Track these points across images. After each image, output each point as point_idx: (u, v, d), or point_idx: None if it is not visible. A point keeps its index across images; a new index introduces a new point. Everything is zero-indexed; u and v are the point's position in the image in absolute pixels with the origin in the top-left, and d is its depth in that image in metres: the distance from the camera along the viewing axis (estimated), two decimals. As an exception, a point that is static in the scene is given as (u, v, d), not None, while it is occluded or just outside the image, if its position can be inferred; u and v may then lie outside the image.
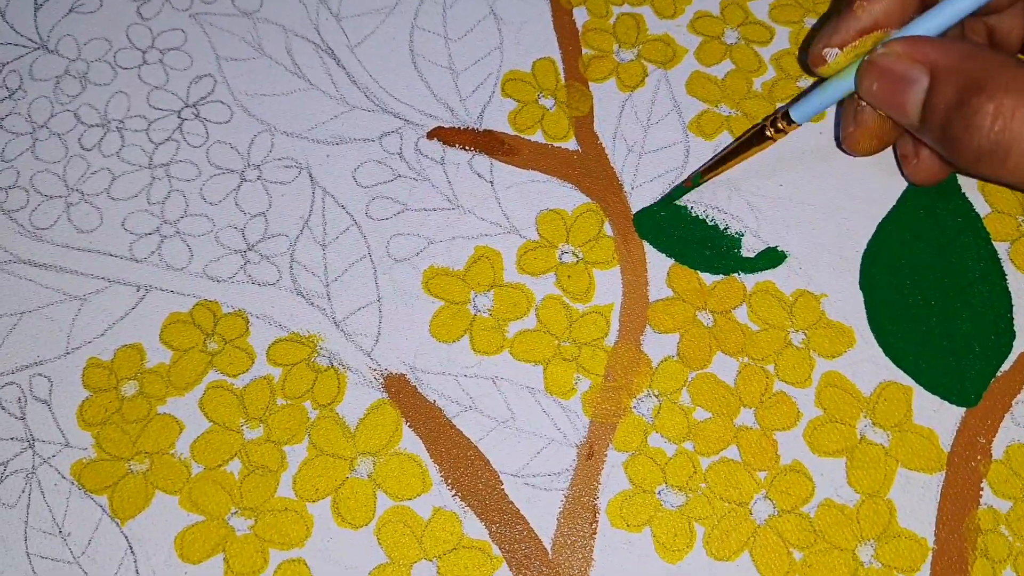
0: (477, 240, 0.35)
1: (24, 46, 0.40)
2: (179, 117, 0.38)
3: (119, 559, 0.30)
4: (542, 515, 0.30)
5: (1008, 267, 0.34)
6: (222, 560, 0.30)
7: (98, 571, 0.30)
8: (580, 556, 0.30)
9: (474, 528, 0.30)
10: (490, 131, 0.37)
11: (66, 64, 0.39)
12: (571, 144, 0.37)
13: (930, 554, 0.30)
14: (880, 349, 0.33)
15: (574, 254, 0.35)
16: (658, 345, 0.33)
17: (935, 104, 0.27)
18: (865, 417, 0.32)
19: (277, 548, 0.30)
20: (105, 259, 0.35)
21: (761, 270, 0.34)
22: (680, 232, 0.35)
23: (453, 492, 0.31)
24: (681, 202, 0.35)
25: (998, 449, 0.31)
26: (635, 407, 0.32)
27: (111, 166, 0.37)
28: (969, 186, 0.35)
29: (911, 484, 0.31)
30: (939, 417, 0.32)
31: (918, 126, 0.28)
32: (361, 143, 0.37)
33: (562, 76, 0.38)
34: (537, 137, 0.37)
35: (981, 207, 0.35)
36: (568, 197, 0.36)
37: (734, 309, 0.33)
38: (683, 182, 0.35)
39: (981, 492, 0.30)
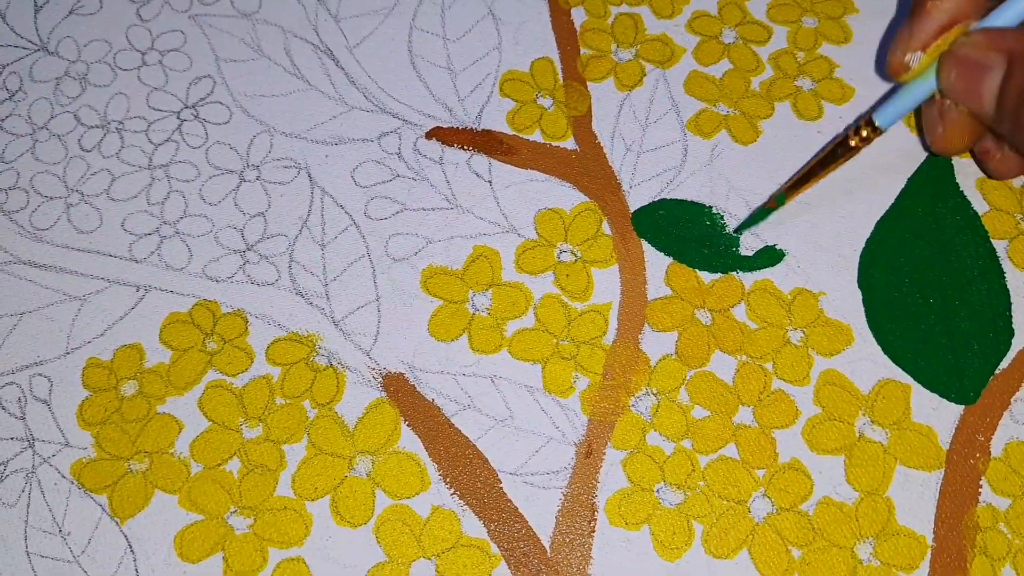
0: (475, 239, 0.35)
1: (24, 48, 0.40)
2: (178, 118, 0.38)
3: (119, 558, 0.30)
4: (541, 513, 0.30)
5: (1007, 265, 0.34)
6: (221, 559, 0.30)
7: (98, 570, 0.30)
8: (579, 554, 0.30)
9: (473, 526, 0.30)
10: (488, 131, 0.37)
11: (66, 66, 0.39)
12: (569, 143, 0.37)
13: (929, 552, 0.29)
14: (879, 347, 0.33)
15: (572, 253, 0.35)
16: (656, 343, 0.33)
17: (1010, 89, 0.27)
18: (864, 415, 0.32)
19: (276, 547, 0.30)
20: (105, 259, 0.35)
21: (759, 268, 0.34)
22: (678, 230, 0.35)
23: (452, 491, 0.31)
24: (683, 200, 0.35)
25: (997, 447, 0.31)
26: (633, 405, 0.32)
27: (111, 167, 0.37)
28: (968, 184, 0.35)
29: (910, 482, 0.31)
30: (938, 415, 0.31)
31: (993, 115, 0.28)
32: (360, 143, 0.37)
33: (560, 76, 0.38)
34: (535, 137, 0.37)
35: (979, 205, 0.35)
36: (566, 196, 0.36)
37: (732, 307, 0.33)
38: (766, 203, 0.34)
39: (980, 490, 0.30)
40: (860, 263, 0.34)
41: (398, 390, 0.32)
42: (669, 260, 0.34)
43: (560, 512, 0.30)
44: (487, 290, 0.34)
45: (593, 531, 0.30)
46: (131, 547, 0.30)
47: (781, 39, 0.39)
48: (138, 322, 0.34)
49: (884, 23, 0.39)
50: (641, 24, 0.40)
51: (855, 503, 0.30)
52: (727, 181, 0.36)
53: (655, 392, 0.32)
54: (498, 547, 0.30)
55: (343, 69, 0.39)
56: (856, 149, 0.32)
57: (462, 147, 0.37)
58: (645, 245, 0.35)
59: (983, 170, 0.34)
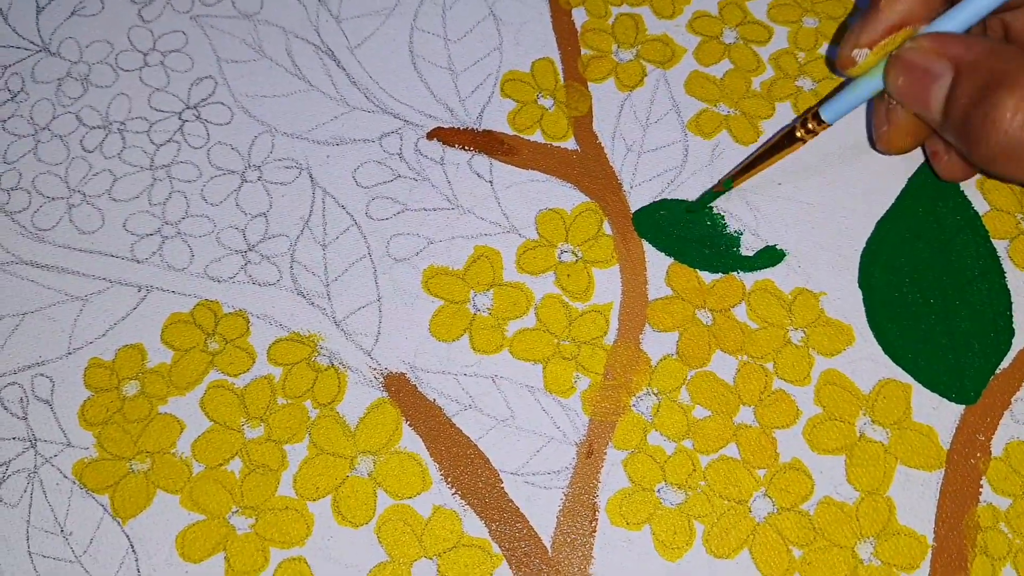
0: (477, 240, 0.35)
1: (26, 49, 0.40)
2: (180, 119, 0.38)
3: (120, 558, 0.30)
4: (542, 513, 0.30)
5: (1007, 265, 0.34)
6: (223, 559, 0.30)
7: (99, 570, 0.30)
8: (580, 554, 0.30)
9: (474, 526, 0.30)
10: (489, 131, 0.37)
11: (68, 66, 0.40)
12: (570, 144, 0.37)
13: (929, 551, 0.30)
14: (879, 347, 0.33)
15: (573, 253, 0.35)
16: (657, 343, 0.33)
17: (957, 99, 0.27)
18: (864, 415, 0.32)
19: (278, 547, 0.30)
20: (107, 260, 0.35)
21: (760, 268, 0.34)
22: (679, 231, 0.35)
23: (453, 490, 0.31)
24: (684, 200, 0.35)
25: (997, 446, 0.31)
26: (634, 405, 0.32)
27: (113, 167, 0.37)
28: (968, 184, 0.35)
29: (910, 482, 0.31)
30: (938, 415, 0.32)
31: (940, 121, 0.28)
32: (361, 144, 0.37)
33: (561, 76, 0.38)
34: (536, 137, 0.37)
35: (980, 205, 0.35)
36: (567, 196, 0.36)
37: (733, 307, 0.33)
38: (713, 187, 0.35)
39: (980, 489, 0.30)
40: (861, 263, 0.34)
41: (399, 390, 0.32)
42: (670, 260, 0.34)
43: (561, 512, 0.30)
44: (488, 290, 0.34)
45: (594, 531, 0.30)
46: (133, 547, 0.30)
47: (782, 39, 0.39)
48: (140, 322, 0.34)
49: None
50: (642, 24, 0.40)
51: (856, 503, 0.30)
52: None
53: (656, 392, 0.32)
54: (499, 547, 0.30)
55: (344, 70, 0.39)
56: (801, 141, 0.32)
57: (463, 147, 0.37)
58: (646, 245, 0.35)
59: (932, 170, 0.34)
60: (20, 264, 0.35)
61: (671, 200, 0.36)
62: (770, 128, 0.37)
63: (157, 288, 0.35)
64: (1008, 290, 0.33)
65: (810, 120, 0.32)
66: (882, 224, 0.35)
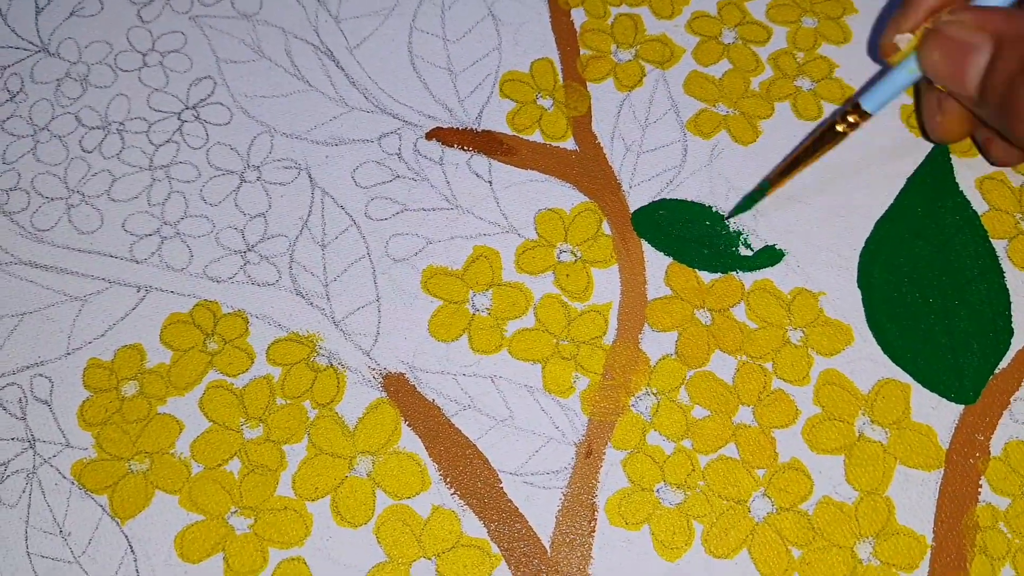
0: (476, 240, 0.35)
1: (25, 49, 0.40)
2: (179, 119, 0.38)
3: (119, 558, 0.30)
4: (541, 513, 0.30)
5: (1006, 264, 0.34)
6: (222, 559, 0.30)
7: (98, 571, 0.30)
8: (579, 554, 0.30)
9: (473, 526, 0.30)
10: (488, 131, 0.37)
11: (67, 67, 0.40)
12: (569, 144, 0.37)
13: (929, 551, 0.30)
14: (878, 347, 0.33)
15: (572, 253, 0.35)
16: (656, 343, 0.33)
17: (997, 73, 0.26)
18: (863, 415, 0.32)
19: (277, 547, 0.30)
20: (105, 260, 0.35)
21: (759, 268, 0.34)
22: (678, 230, 0.35)
23: (452, 491, 0.31)
24: (683, 200, 0.35)
25: (996, 446, 0.31)
26: (633, 405, 0.32)
27: (112, 168, 0.37)
28: (967, 184, 0.35)
29: (910, 481, 0.31)
30: (937, 414, 0.31)
31: (976, 98, 0.27)
32: (360, 144, 0.37)
33: (560, 76, 0.38)
34: (535, 137, 0.37)
35: (979, 205, 0.35)
36: (566, 196, 0.36)
37: (732, 307, 0.33)
38: (754, 189, 0.34)
39: (980, 489, 0.30)
40: (860, 263, 0.34)
41: (398, 390, 0.32)
42: (669, 260, 0.34)
43: (560, 512, 0.30)
44: (487, 290, 0.34)
45: (593, 531, 0.30)
46: (132, 547, 0.30)
47: (780, 39, 0.39)
48: (139, 322, 0.34)
49: (883, 23, 0.39)
50: (641, 24, 0.40)
51: (855, 503, 0.30)
52: (727, 181, 0.36)
53: (655, 392, 0.32)
54: (498, 547, 0.30)
55: (343, 70, 0.39)
56: (843, 135, 0.31)
57: (462, 147, 0.37)
58: (645, 245, 0.35)
59: (985, 157, 0.34)
60: (19, 264, 0.35)
61: (670, 200, 0.36)
62: (769, 128, 0.37)
63: (156, 288, 0.35)
64: (1007, 290, 0.33)
65: (851, 112, 0.31)
66: (881, 224, 0.35)
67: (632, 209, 0.35)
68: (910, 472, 0.31)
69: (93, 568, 0.30)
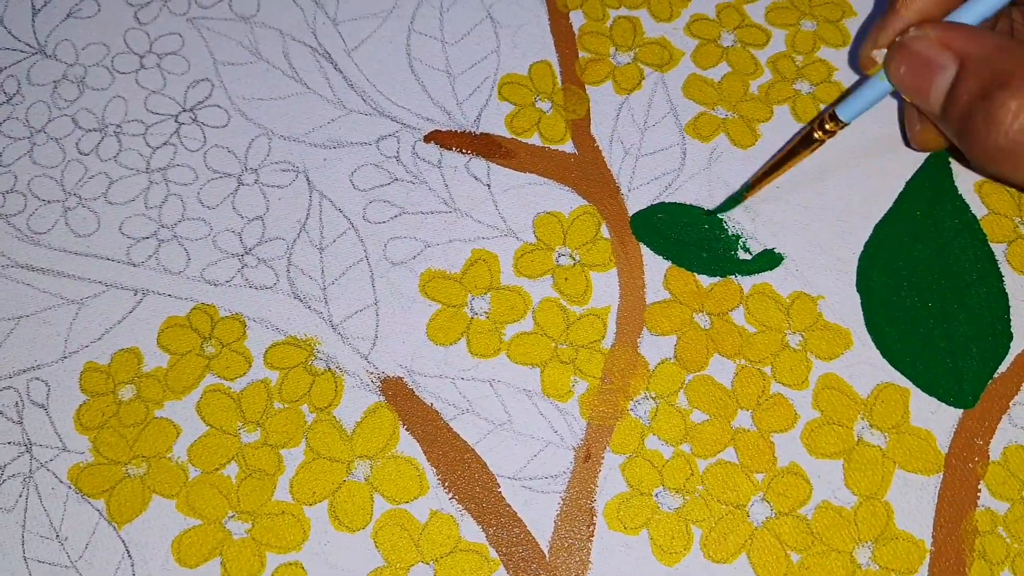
0: (474, 243, 0.35)
1: (22, 51, 0.40)
2: (176, 121, 0.38)
3: (116, 563, 0.30)
4: (539, 518, 0.30)
5: (1005, 268, 0.34)
6: (219, 564, 0.30)
7: (95, 575, 0.30)
8: (577, 559, 0.30)
9: (471, 531, 0.30)
10: (487, 134, 0.37)
11: (64, 69, 0.39)
12: (568, 147, 0.37)
13: (928, 556, 0.29)
14: (877, 351, 0.33)
15: (571, 256, 0.35)
16: (655, 347, 0.33)
17: (959, 94, 0.26)
18: (862, 419, 0.32)
19: (274, 552, 0.30)
20: (102, 263, 0.35)
21: (758, 272, 0.34)
22: (677, 234, 0.35)
23: (450, 495, 0.31)
24: (682, 204, 0.35)
25: (995, 451, 0.31)
26: (632, 409, 0.32)
27: (108, 170, 0.37)
28: (966, 188, 0.35)
29: (909, 486, 0.31)
30: (936, 419, 0.31)
31: (940, 115, 0.28)
32: (358, 147, 0.37)
33: (559, 79, 0.38)
34: (534, 140, 0.37)
35: (978, 209, 0.35)
36: (565, 200, 0.36)
37: (731, 311, 0.33)
38: (735, 193, 0.35)
39: (979, 494, 0.30)
40: (859, 266, 0.34)
41: (396, 394, 0.32)
42: (668, 264, 0.34)
43: (559, 516, 0.30)
44: (486, 294, 0.34)
45: (592, 535, 0.30)
46: (129, 552, 0.30)
47: (779, 42, 0.39)
48: (136, 326, 0.34)
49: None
50: (639, 27, 0.40)
51: (854, 507, 0.30)
52: (726, 184, 0.36)
53: (654, 396, 0.32)
54: (497, 552, 0.30)
55: (341, 72, 0.39)
56: (820, 142, 0.32)
57: (460, 150, 0.37)
58: (644, 249, 0.35)
59: (904, 139, 0.34)
60: (15, 267, 0.35)
61: (669, 203, 0.35)
62: (768, 131, 0.37)
63: (153, 292, 0.34)
64: (1006, 294, 0.33)
65: (827, 120, 0.31)
66: (880, 227, 0.35)
67: (631, 212, 0.35)
68: (909, 476, 0.31)
69: (90, 573, 0.30)
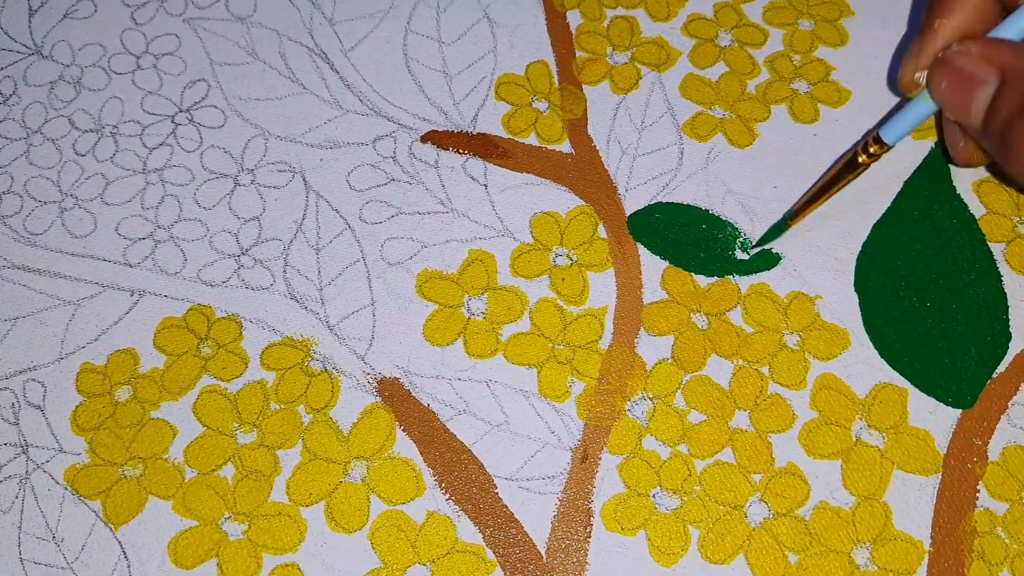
0: (471, 243, 0.35)
1: (18, 52, 0.40)
2: (173, 122, 0.38)
3: (112, 564, 0.30)
4: (536, 519, 0.30)
5: (1004, 268, 0.34)
6: (215, 565, 0.30)
7: (91, 577, 0.30)
8: (574, 560, 0.30)
9: (468, 532, 0.30)
10: (484, 134, 0.37)
11: (60, 69, 0.39)
12: (565, 147, 0.37)
13: (926, 557, 0.29)
14: (876, 351, 0.32)
15: (568, 257, 0.35)
16: (652, 348, 0.33)
17: (1000, 107, 0.26)
18: (860, 419, 0.31)
19: (271, 553, 0.30)
20: (99, 264, 0.35)
21: (755, 272, 0.34)
22: (674, 234, 0.35)
23: (447, 496, 0.31)
24: (679, 203, 0.35)
25: (994, 451, 0.31)
26: (629, 410, 0.32)
27: (105, 171, 0.37)
28: (965, 187, 0.35)
29: (907, 486, 0.30)
30: (935, 419, 0.31)
31: (981, 130, 0.28)
32: (355, 147, 0.37)
33: (556, 79, 0.38)
34: (531, 140, 0.37)
35: (976, 208, 0.35)
36: (562, 200, 0.36)
37: (728, 311, 0.33)
38: (779, 220, 0.34)
39: (977, 494, 0.30)
40: (857, 266, 0.34)
41: (393, 395, 0.32)
42: (665, 264, 0.34)
43: (556, 517, 0.30)
44: (482, 294, 0.34)
45: (589, 536, 0.30)
46: (125, 553, 0.30)
47: (777, 42, 0.39)
48: (132, 327, 0.34)
49: (880, 26, 0.39)
50: (637, 27, 0.39)
51: (852, 508, 0.30)
52: (723, 184, 0.36)
53: (651, 396, 0.32)
54: (494, 553, 0.30)
55: (338, 72, 0.39)
56: (864, 166, 0.32)
57: (457, 151, 0.37)
58: (641, 249, 0.35)
59: (951, 157, 0.34)
60: (12, 268, 0.35)
61: (667, 203, 0.35)
62: (766, 131, 0.37)
63: (150, 292, 0.34)
64: (1005, 293, 0.33)
65: (871, 144, 0.31)
66: (878, 227, 0.35)
67: (628, 212, 0.35)
68: (907, 477, 0.31)
69: (86, 574, 0.30)
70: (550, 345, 0.33)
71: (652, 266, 0.34)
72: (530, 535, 0.30)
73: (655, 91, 0.38)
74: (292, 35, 0.40)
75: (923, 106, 0.30)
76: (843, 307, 0.33)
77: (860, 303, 0.33)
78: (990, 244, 0.34)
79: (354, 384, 0.32)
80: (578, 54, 0.39)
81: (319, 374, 0.33)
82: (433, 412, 0.32)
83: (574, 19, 0.40)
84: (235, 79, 0.39)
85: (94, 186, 0.37)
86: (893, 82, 0.38)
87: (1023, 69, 0.26)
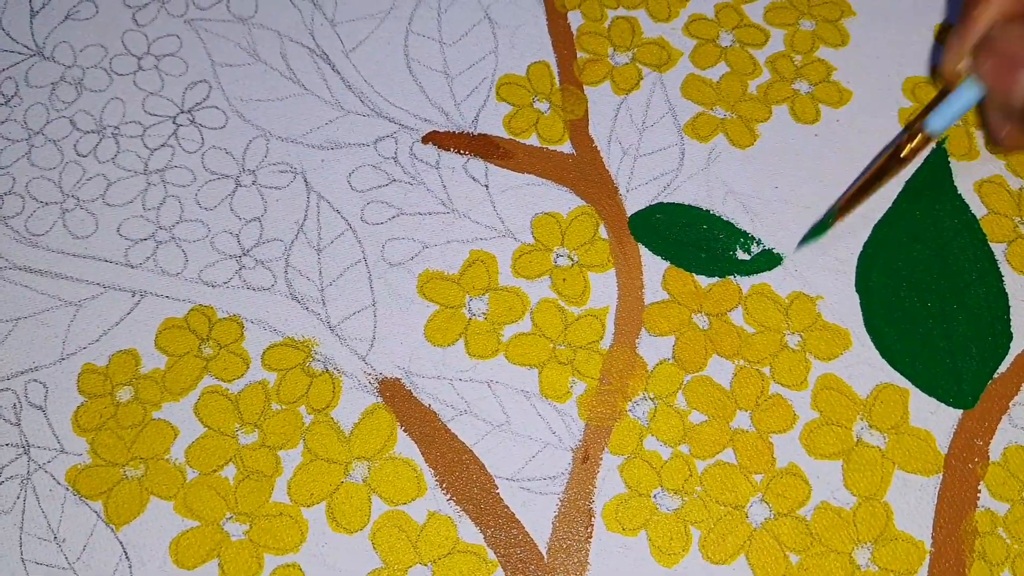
0: (472, 244, 0.35)
1: (20, 53, 0.40)
2: (174, 123, 0.38)
3: (114, 565, 0.30)
4: (537, 519, 0.30)
5: (1005, 268, 0.34)
6: (217, 566, 0.30)
7: (93, 577, 0.30)
8: (575, 560, 0.30)
9: (469, 532, 0.30)
10: (485, 135, 0.37)
11: (62, 71, 0.39)
12: (566, 147, 0.37)
13: (927, 557, 0.29)
14: (877, 351, 0.32)
15: (569, 257, 0.35)
16: (653, 348, 0.33)
17: None
18: (862, 419, 0.31)
19: (272, 553, 0.30)
20: (100, 265, 0.35)
21: (757, 272, 0.34)
22: (675, 234, 0.35)
23: (448, 496, 0.31)
24: (680, 204, 0.35)
25: (995, 451, 0.31)
26: (630, 410, 0.32)
27: (106, 172, 0.37)
28: (966, 187, 0.35)
29: (908, 487, 0.30)
30: (936, 419, 0.31)
31: (1022, 110, 0.28)
32: (356, 148, 0.37)
33: (557, 79, 0.38)
34: (532, 141, 0.37)
35: (978, 208, 0.35)
36: (563, 200, 0.36)
37: (730, 312, 0.33)
38: (821, 220, 0.34)
39: (978, 494, 0.30)
40: (858, 266, 0.34)
41: (394, 395, 0.32)
42: (666, 264, 0.34)
43: (557, 518, 0.30)
44: (484, 295, 0.34)
45: (590, 537, 0.30)
46: (126, 554, 0.30)
47: (778, 42, 0.39)
48: (134, 327, 0.34)
49: (881, 26, 0.39)
50: (638, 27, 0.39)
51: (853, 508, 0.30)
52: (724, 184, 0.36)
53: (652, 397, 0.32)
54: (495, 553, 0.30)
55: (339, 73, 0.39)
56: (907, 159, 0.32)
57: (458, 151, 0.37)
58: (642, 249, 0.35)
59: (993, 141, 0.33)
60: (13, 269, 0.35)
61: (668, 203, 0.35)
62: (767, 131, 0.37)
63: (151, 293, 0.34)
64: (1006, 294, 0.33)
65: (915, 136, 0.31)
66: (879, 227, 0.35)
67: (629, 213, 0.35)
68: (908, 477, 0.31)
69: (88, 574, 0.30)
70: (551, 345, 0.33)
71: (653, 266, 0.34)
72: (531, 535, 0.30)
73: (656, 91, 0.38)
74: (293, 36, 0.40)
75: (966, 94, 0.30)
76: (844, 307, 0.33)
77: (861, 303, 0.33)
78: (991, 244, 0.34)
79: (355, 384, 0.32)
80: (579, 55, 0.39)
81: (320, 374, 0.33)
82: (434, 412, 0.32)
83: (575, 20, 0.40)
84: (236, 80, 0.39)
85: (95, 187, 0.37)
86: (895, 83, 0.38)
87: None
